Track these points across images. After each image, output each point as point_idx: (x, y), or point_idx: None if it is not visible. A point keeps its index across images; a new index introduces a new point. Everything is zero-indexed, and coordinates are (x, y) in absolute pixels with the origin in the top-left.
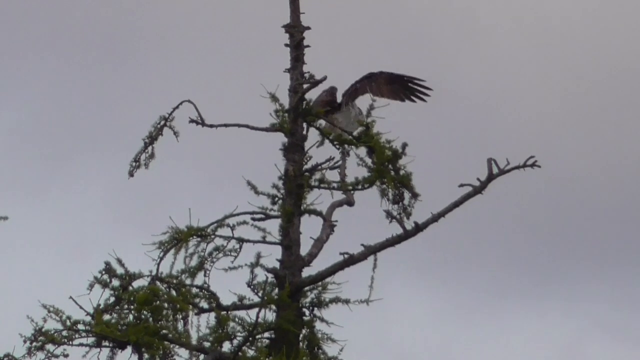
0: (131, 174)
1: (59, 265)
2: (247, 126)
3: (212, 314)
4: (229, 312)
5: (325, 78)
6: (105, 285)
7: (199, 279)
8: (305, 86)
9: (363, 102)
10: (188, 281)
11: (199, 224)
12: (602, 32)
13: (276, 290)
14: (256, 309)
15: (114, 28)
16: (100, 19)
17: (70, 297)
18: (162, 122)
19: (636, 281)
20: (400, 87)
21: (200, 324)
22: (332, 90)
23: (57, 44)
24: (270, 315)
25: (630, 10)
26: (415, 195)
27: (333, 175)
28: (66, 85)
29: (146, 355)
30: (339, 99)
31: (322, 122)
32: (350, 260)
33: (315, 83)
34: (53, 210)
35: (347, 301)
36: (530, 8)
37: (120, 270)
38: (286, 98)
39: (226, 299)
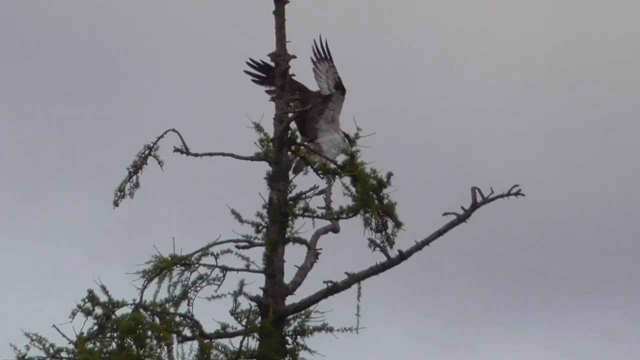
0: (116, 204)
1: (42, 293)
2: (231, 155)
3: (196, 342)
4: (212, 340)
5: (311, 107)
6: (88, 313)
7: (183, 308)
8: (290, 115)
9: (349, 130)
10: (172, 310)
11: (183, 252)
12: (582, 64)
13: (259, 318)
14: (239, 337)
15: (97, 56)
16: (83, 46)
17: (54, 326)
18: (147, 152)
19: (616, 310)
20: None
21: (184, 353)
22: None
23: (39, 70)
24: (253, 343)
25: (611, 42)
26: (398, 225)
27: (318, 201)
28: (49, 113)
29: None
30: None
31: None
32: (334, 289)
33: (300, 112)
34: (36, 238)
35: (330, 329)
36: (511, 39)
37: (103, 298)
38: (271, 127)
39: (209, 327)
